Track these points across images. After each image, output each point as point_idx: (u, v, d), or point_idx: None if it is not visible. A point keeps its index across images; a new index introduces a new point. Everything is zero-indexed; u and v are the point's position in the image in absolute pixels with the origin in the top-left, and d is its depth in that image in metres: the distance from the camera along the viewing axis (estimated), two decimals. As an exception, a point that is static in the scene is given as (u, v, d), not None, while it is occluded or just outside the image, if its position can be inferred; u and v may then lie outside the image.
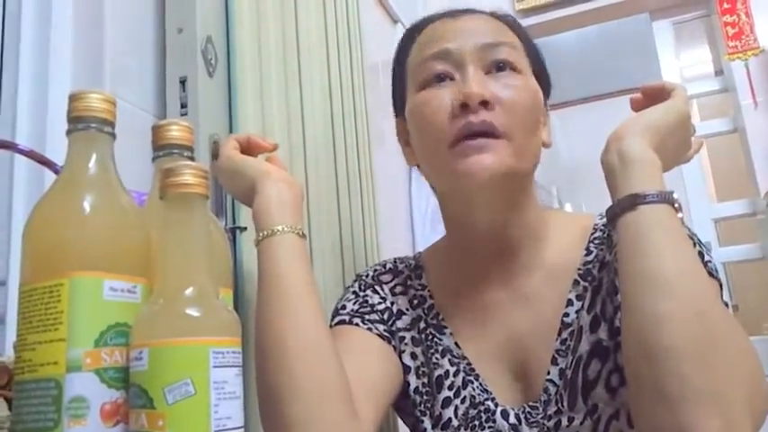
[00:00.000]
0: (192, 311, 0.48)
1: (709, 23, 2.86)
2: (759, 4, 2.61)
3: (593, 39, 3.05)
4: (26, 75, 0.79)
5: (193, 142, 0.64)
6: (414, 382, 0.80)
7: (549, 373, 0.75)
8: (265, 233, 0.67)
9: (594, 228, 0.81)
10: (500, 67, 0.76)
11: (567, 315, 0.76)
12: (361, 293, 0.84)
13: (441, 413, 0.77)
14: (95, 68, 0.80)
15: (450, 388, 0.78)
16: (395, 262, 0.90)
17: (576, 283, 0.77)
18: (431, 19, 0.83)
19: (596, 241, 0.79)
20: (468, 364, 0.79)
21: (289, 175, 0.75)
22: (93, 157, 0.52)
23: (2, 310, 0.72)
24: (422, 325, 0.82)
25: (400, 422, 0.90)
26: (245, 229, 0.83)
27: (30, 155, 0.68)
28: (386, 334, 0.80)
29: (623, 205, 0.64)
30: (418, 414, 0.79)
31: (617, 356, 0.71)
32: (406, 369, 0.80)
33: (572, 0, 2.66)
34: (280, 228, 0.67)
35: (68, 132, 0.53)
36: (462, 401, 0.77)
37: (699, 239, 0.75)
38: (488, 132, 0.72)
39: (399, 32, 2.06)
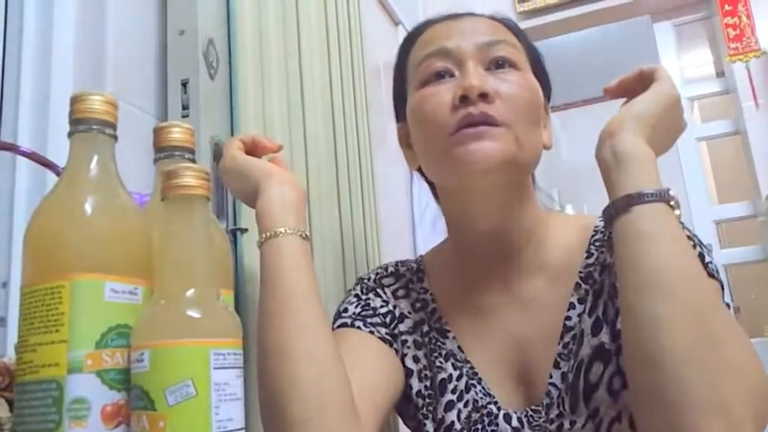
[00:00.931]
0: (193, 313, 0.48)
1: (711, 25, 2.86)
2: (760, 5, 2.61)
3: (594, 41, 3.05)
4: (28, 77, 0.79)
5: (195, 144, 0.64)
6: (416, 385, 0.80)
7: (551, 377, 0.74)
8: (268, 234, 0.67)
9: (595, 230, 0.81)
10: (499, 64, 0.76)
11: (569, 318, 0.76)
12: (363, 297, 0.84)
13: (444, 416, 0.77)
14: (97, 70, 0.80)
15: (453, 392, 0.78)
16: (396, 265, 0.90)
17: (577, 286, 0.77)
18: (431, 21, 0.84)
19: (597, 243, 0.79)
20: (472, 368, 0.79)
21: (293, 176, 0.75)
22: (95, 158, 0.52)
23: (3, 311, 0.72)
24: (424, 328, 0.82)
25: (401, 425, 0.90)
26: (246, 230, 0.83)
27: (31, 157, 0.68)
28: (387, 337, 0.80)
29: (618, 206, 0.64)
30: (421, 417, 0.79)
31: (619, 360, 0.71)
32: (409, 372, 0.80)
33: (573, 2, 2.66)
34: (283, 229, 0.67)
35: (70, 134, 0.53)
36: (465, 405, 0.77)
37: (699, 240, 0.75)
38: (488, 122, 0.72)
39: (400, 35, 2.06)
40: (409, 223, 1.89)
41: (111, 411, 0.47)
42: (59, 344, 0.47)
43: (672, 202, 0.64)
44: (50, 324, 0.47)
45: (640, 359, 0.59)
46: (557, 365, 0.75)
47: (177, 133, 0.60)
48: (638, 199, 0.63)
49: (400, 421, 0.88)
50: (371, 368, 0.75)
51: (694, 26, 2.95)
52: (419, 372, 0.80)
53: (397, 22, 2.06)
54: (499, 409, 0.76)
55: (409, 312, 0.84)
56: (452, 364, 0.79)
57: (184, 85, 0.83)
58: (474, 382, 0.78)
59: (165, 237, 0.51)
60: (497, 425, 0.75)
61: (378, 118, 1.40)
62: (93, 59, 0.80)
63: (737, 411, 0.55)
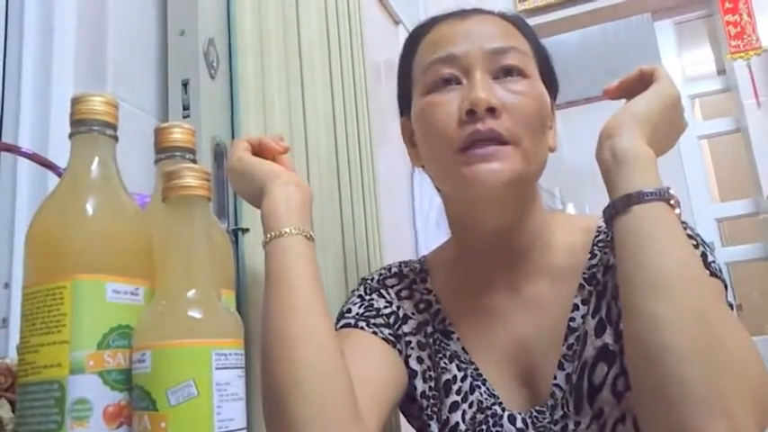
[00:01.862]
0: (195, 313, 0.49)
1: (711, 23, 2.86)
2: (761, 3, 2.60)
3: (595, 39, 3.05)
4: (29, 78, 0.79)
5: (195, 144, 0.64)
6: (420, 386, 0.80)
7: (555, 378, 0.74)
8: (273, 234, 0.67)
9: (598, 230, 0.81)
10: (507, 72, 0.75)
11: (573, 320, 0.76)
12: (367, 297, 0.84)
13: (448, 417, 0.77)
14: (98, 71, 0.81)
15: (457, 393, 0.78)
16: (400, 266, 0.90)
17: (581, 287, 0.77)
18: (438, 19, 0.82)
19: (600, 244, 0.79)
20: (476, 369, 0.79)
21: (298, 177, 0.75)
22: (96, 159, 0.52)
23: (5, 312, 0.72)
24: (428, 329, 0.82)
25: (403, 424, 0.90)
26: (248, 230, 0.83)
27: (32, 158, 0.68)
28: (390, 338, 0.80)
29: (618, 206, 0.64)
30: (425, 418, 0.79)
31: (622, 360, 0.71)
32: (413, 373, 0.80)
33: (574, 1, 2.66)
34: (288, 230, 0.67)
35: (71, 135, 0.53)
36: (470, 406, 0.77)
37: (702, 240, 0.75)
38: (496, 139, 0.72)
39: (401, 34, 2.06)
40: (410, 223, 1.89)
41: (113, 412, 0.47)
42: (61, 344, 0.47)
43: (672, 201, 0.64)
44: (52, 325, 0.47)
45: (642, 358, 0.59)
46: (561, 366, 0.75)
47: (178, 134, 0.60)
48: (637, 198, 0.63)
49: (402, 421, 0.88)
50: (374, 368, 0.75)
51: (695, 24, 2.95)
52: (423, 372, 0.80)
53: (397, 21, 2.06)
54: (504, 410, 0.76)
55: (413, 313, 0.83)
56: (457, 365, 0.79)
57: (185, 85, 0.83)
58: (478, 383, 0.78)
59: (167, 237, 0.51)
60: (502, 426, 0.75)
61: (378, 117, 1.40)
62: (94, 60, 0.81)
63: (740, 410, 0.54)
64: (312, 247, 0.69)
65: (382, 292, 0.85)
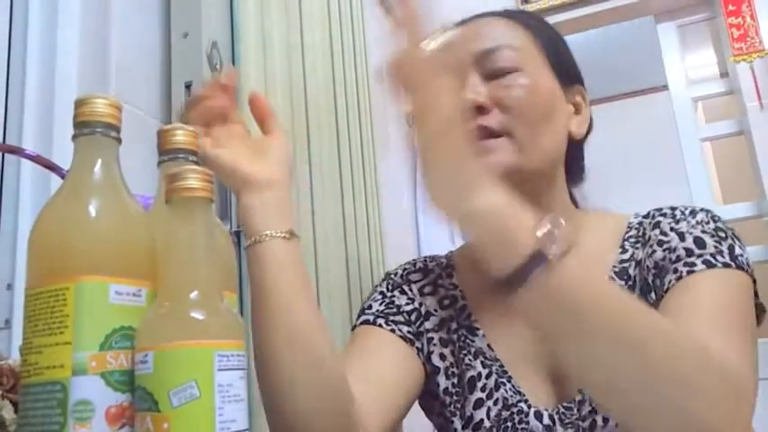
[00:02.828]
0: (197, 315, 0.49)
1: (714, 26, 2.85)
2: (764, 6, 2.60)
3: (597, 42, 3.05)
4: (33, 80, 0.79)
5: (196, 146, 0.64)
6: (443, 382, 0.80)
7: None
8: (251, 240, 0.66)
9: (629, 226, 0.81)
10: (500, 70, 0.76)
11: None
12: (389, 294, 0.84)
13: (472, 414, 0.77)
14: (101, 73, 0.81)
15: (482, 389, 0.78)
16: (425, 261, 0.90)
17: (610, 281, 0.77)
18: (446, 29, 0.83)
19: (632, 240, 0.79)
20: (501, 366, 0.78)
21: (273, 168, 0.69)
22: (99, 161, 0.52)
23: (8, 313, 0.72)
24: (453, 325, 0.82)
25: (404, 423, 0.90)
26: (250, 232, 0.83)
27: (36, 159, 0.69)
28: (409, 336, 0.80)
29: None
30: (448, 415, 0.79)
31: None
32: (435, 370, 0.80)
33: (577, 3, 2.66)
34: (265, 234, 0.65)
35: (74, 137, 0.53)
36: (495, 403, 0.76)
37: (733, 233, 0.74)
38: (486, 135, 0.72)
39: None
40: (413, 223, 1.89)
41: (116, 413, 0.48)
42: (64, 346, 0.47)
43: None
44: (55, 326, 0.47)
45: (600, 399, 0.58)
46: None
47: (181, 136, 0.60)
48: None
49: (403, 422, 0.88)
50: (387, 367, 0.75)
51: (698, 26, 2.94)
52: (446, 369, 0.80)
53: (400, 24, 2.06)
54: (530, 406, 0.75)
55: (436, 310, 0.84)
56: (481, 361, 0.79)
57: (188, 87, 0.84)
58: (504, 379, 0.77)
59: (169, 239, 0.51)
60: (528, 423, 0.74)
61: (381, 119, 1.40)
62: (97, 63, 0.81)
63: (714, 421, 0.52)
64: (293, 245, 0.67)
65: (405, 288, 0.85)
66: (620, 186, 2.70)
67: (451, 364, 0.80)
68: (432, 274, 0.87)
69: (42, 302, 0.48)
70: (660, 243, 0.75)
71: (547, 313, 0.55)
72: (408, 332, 0.80)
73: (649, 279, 0.73)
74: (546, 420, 0.74)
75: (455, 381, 0.79)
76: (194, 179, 0.51)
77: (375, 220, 1.22)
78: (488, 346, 0.80)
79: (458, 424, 0.78)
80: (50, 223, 0.51)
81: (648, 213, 0.81)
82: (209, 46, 0.85)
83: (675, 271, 0.70)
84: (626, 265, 0.78)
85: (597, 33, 2.88)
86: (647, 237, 0.78)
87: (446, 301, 0.84)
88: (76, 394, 0.46)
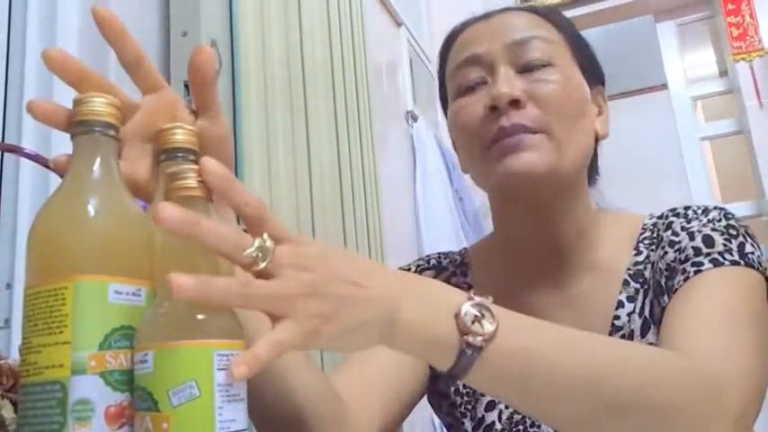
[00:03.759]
0: (197, 314, 0.49)
1: (714, 25, 2.86)
2: (763, 5, 2.60)
3: (597, 41, 3.04)
4: (31, 79, 0.79)
5: (198, 146, 0.64)
6: (454, 383, 0.79)
7: None
8: None
9: (644, 227, 0.80)
10: (533, 62, 0.74)
11: (617, 318, 0.75)
12: None
13: (484, 416, 0.77)
14: (100, 72, 0.81)
15: None
16: (439, 257, 0.89)
17: (625, 283, 0.76)
18: (466, 24, 0.82)
19: (646, 241, 0.78)
20: None
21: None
22: (98, 160, 0.52)
23: (8, 313, 0.72)
24: None
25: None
26: (250, 231, 0.83)
27: (35, 158, 0.69)
28: None
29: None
30: (458, 415, 0.79)
31: None
32: None
33: (576, 2, 2.66)
34: None
35: (73, 136, 0.53)
36: (507, 406, 0.76)
37: (746, 230, 0.72)
38: (523, 130, 0.70)
39: (403, 35, 2.06)
40: (414, 223, 1.89)
41: (115, 412, 0.47)
42: (63, 345, 0.47)
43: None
44: (54, 325, 0.47)
45: None
46: None
47: (180, 135, 0.60)
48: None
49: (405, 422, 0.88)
50: (387, 367, 0.75)
51: (697, 25, 2.95)
52: None
53: (399, 23, 2.06)
54: None
55: None
56: None
57: (187, 86, 0.84)
58: None
59: (169, 238, 0.51)
60: (539, 426, 0.74)
61: (381, 119, 1.40)
62: (96, 61, 0.81)
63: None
64: None
65: None
66: (619, 186, 2.70)
67: None
68: (445, 272, 0.86)
69: (41, 302, 0.48)
70: (671, 244, 0.74)
71: (496, 388, 0.54)
72: None
73: (662, 281, 0.72)
74: None
75: None
76: (194, 178, 0.51)
77: (375, 220, 1.22)
78: None
79: (468, 425, 0.77)
80: (49, 222, 0.51)
81: (663, 214, 0.80)
82: (208, 44, 0.85)
83: (684, 272, 0.69)
84: (641, 267, 0.76)
85: (597, 32, 2.89)
86: (660, 238, 0.77)
87: None
88: (76, 394, 0.46)
